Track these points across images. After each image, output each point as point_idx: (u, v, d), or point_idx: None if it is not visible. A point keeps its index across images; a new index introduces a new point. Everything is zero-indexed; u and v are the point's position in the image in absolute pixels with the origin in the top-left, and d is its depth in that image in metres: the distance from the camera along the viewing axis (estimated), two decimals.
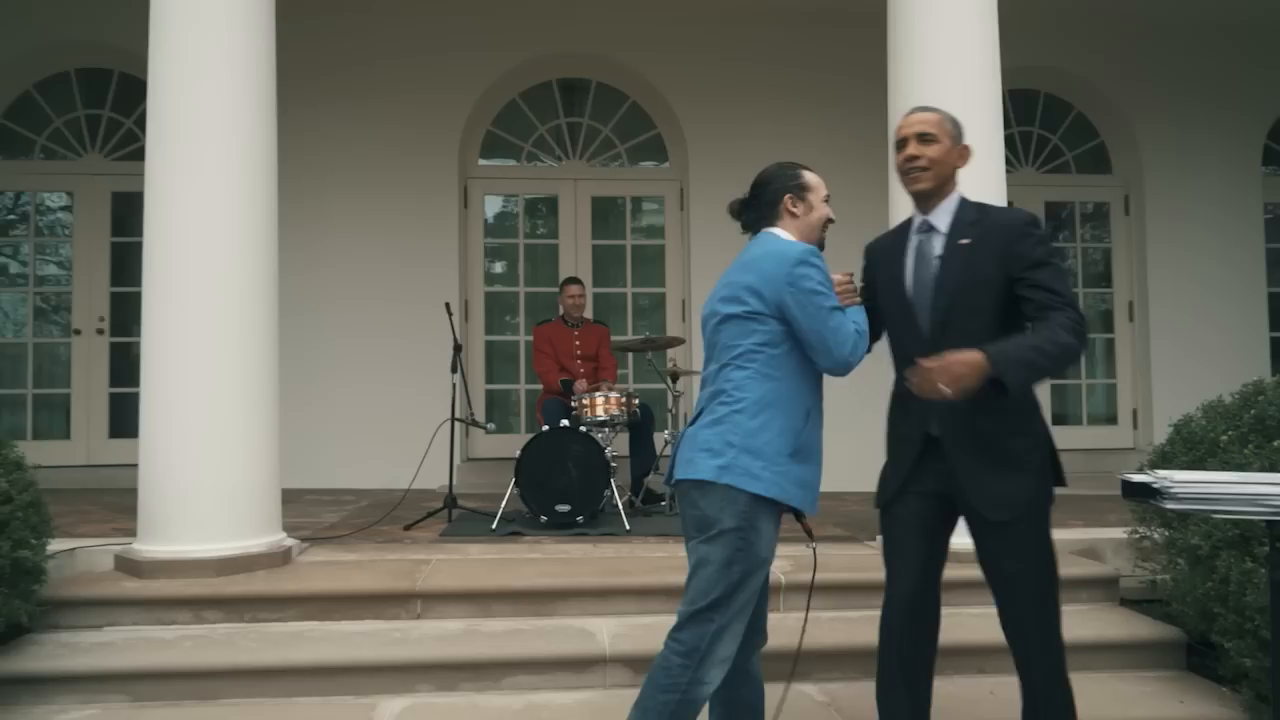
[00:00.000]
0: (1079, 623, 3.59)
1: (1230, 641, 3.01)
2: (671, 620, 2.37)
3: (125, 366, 6.71)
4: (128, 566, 3.79)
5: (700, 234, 7.12)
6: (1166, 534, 3.43)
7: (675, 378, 5.66)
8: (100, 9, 6.60)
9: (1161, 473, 2.17)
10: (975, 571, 2.50)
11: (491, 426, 6.50)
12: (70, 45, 6.83)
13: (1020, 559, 2.40)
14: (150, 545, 3.80)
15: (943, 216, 2.49)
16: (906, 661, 2.51)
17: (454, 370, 5.21)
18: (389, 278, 6.83)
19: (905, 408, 2.52)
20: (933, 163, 2.46)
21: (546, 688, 3.22)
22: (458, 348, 5.25)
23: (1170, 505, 2.13)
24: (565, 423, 4.95)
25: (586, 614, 3.61)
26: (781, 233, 2.51)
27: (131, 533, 3.97)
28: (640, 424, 5.51)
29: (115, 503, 5.28)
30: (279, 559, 3.93)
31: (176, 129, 3.89)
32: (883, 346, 2.64)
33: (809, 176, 2.57)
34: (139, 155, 4.24)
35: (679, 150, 7.30)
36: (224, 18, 3.93)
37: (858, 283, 2.63)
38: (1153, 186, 7.51)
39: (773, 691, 2.63)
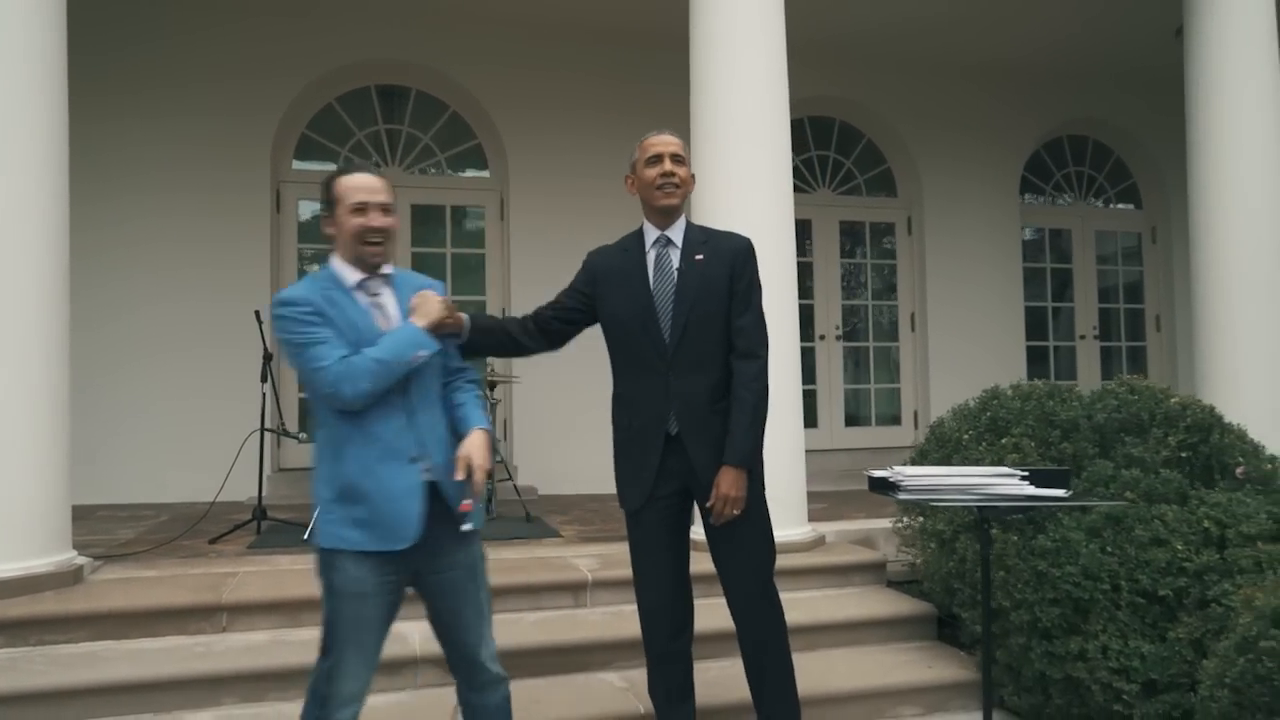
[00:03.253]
0: (850, 603, 4.03)
1: (967, 612, 3.49)
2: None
3: None
4: None
5: (521, 243, 7.28)
6: (920, 521, 3.91)
7: (493, 386, 5.79)
8: None
9: (896, 468, 2.55)
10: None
11: (303, 436, 6.38)
12: None
13: (747, 541, 2.75)
14: None
15: (678, 233, 2.82)
16: (667, 660, 2.82)
17: (264, 379, 5.11)
18: (196, 285, 6.57)
19: (635, 409, 2.77)
20: (683, 181, 2.80)
21: (390, 688, 3.28)
22: (268, 356, 5.15)
23: (902, 496, 2.52)
24: None
25: (398, 619, 3.67)
26: (334, 259, 2.39)
27: None
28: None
29: None
30: (69, 578, 3.77)
31: None
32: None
33: (341, 185, 2.35)
34: None
35: (499, 160, 7.43)
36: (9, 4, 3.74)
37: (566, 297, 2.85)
38: (930, 209, 8.35)
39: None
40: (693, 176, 2.87)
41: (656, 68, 7.09)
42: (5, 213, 3.70)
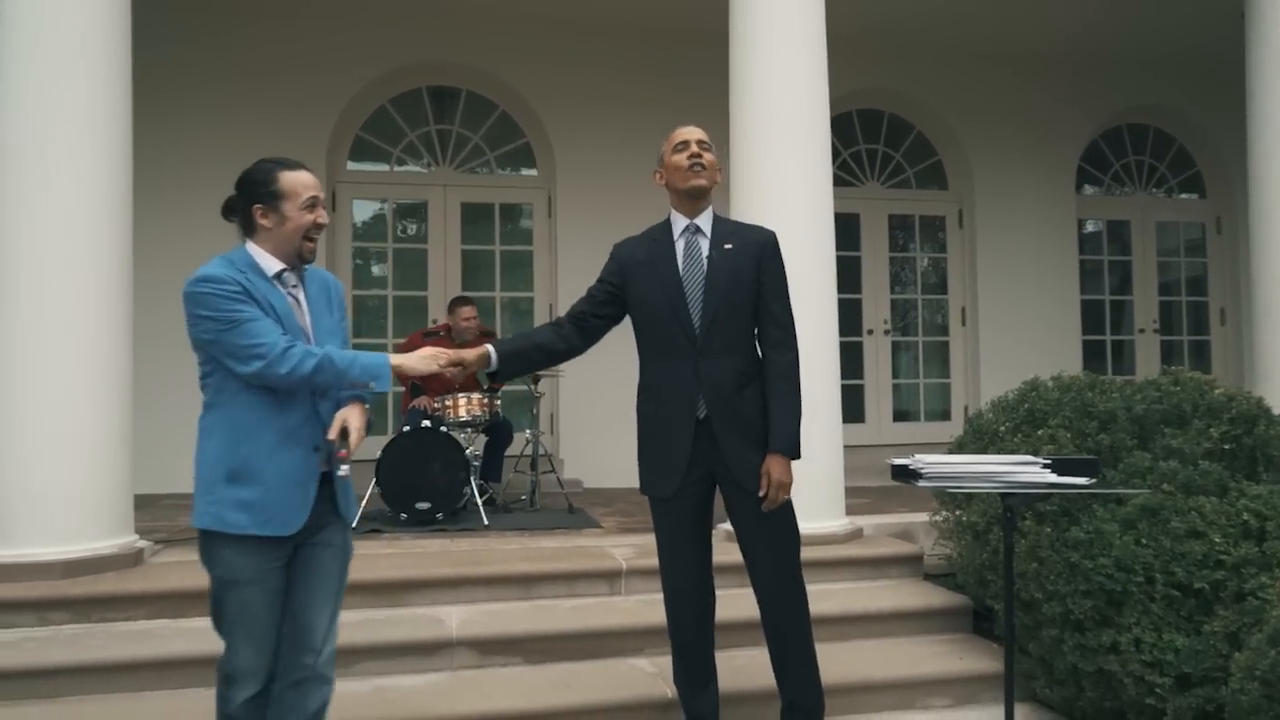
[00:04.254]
0: (884, 595, 4.03)
1: (1000, 604, 3.46)
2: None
3: None
4: None
5: (568, 239, 7.38)
6: (956, 515, 3.88)
7: (537, 380, 5.89)
8: None
9: (918, 456, 2.56)
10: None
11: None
12: None
13: (776, 528, 2.78)
14: None
15: (706, 222, 2.88)
16: (691, 645, 2.87)
17: None
18: None
19: (662, 395, 2.83)
20: (710, 165, 2.85)
21: (395, 672, 3.40)
22: None
23: (923, 484, 2.52)
24: (427, 423, 5.12)
25: (438, 603, 3.80)
26: (250, 246, 2.41)
27: None
28: (495, 433, 5.74)
29: None
30: (130, 560, 3.96)
31: (30, 133, 3.87)
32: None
33: (289, 180, 2.37)
34: None
35: (547, 158, 7.54)
36: (77, 20, 3.93)
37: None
38: (982, 202, 8.21)
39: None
40: (718, 170, 2.91)
41: (698, 64, 7.11)
42: (74, 215, 3.90)
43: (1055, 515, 3.33)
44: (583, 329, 2.91)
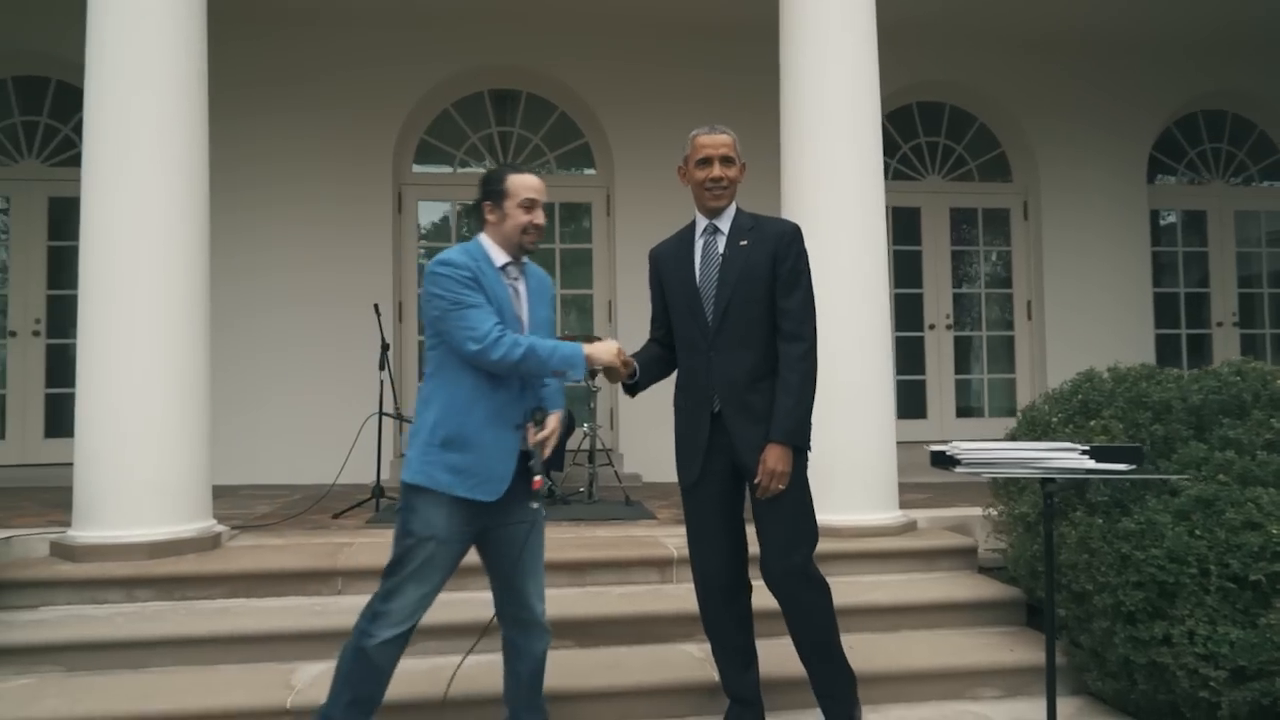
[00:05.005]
0: (935, 587, 4.02)
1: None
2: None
3: (61, 368, 6.87)
4: (63, 552, 4.03)
5: (626, 237, 7.48)
6: (1008, 507, 3.85)
7: (594, 374, 5.99)
8: (38, 17, 6.76)
9: (954, 443, 2.58)
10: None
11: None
12: (6, 53, 6.97)
13: (785, 518, 2.82)
14: (85, 531, 4.04)
15: (726, 221, 2.94)
16: (722, 628, 2.94)
17: (381, 368, 5.50)
18: (324, 282, 7.07)
19: (688, 391, 2.93)
20: (731, 182, 2.91)
21: (452, 652, 3.51)
22: (385, 347, 5.54)
23: (960, 470, 2.54)
24: None
25: (490, 588, 3.92)
26: (484, 238, 2.69)
27: (66, 524, 4.20)
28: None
29: (49, 499, 5.47)
30: (208, 543, 4.20)
31: (111, 140, 4.13)
32: None
33: (513, 181, 2.64)
34: (76, 161, 4.45)
35: (605, 157, 7.66)
36: (157, 36, 4.18)
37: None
38: (1048, 193, 8.05)
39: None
40: (744, 167, 2.96)
41: (751, 58, 7.13)
42: (154, 219, 4.14)
43: (1107, 506, 3.29)
44: (668, 346, 3.02)
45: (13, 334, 6.99)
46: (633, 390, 2.92)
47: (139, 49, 4.16)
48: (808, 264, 2.91)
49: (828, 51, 4.55)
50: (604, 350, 2.71)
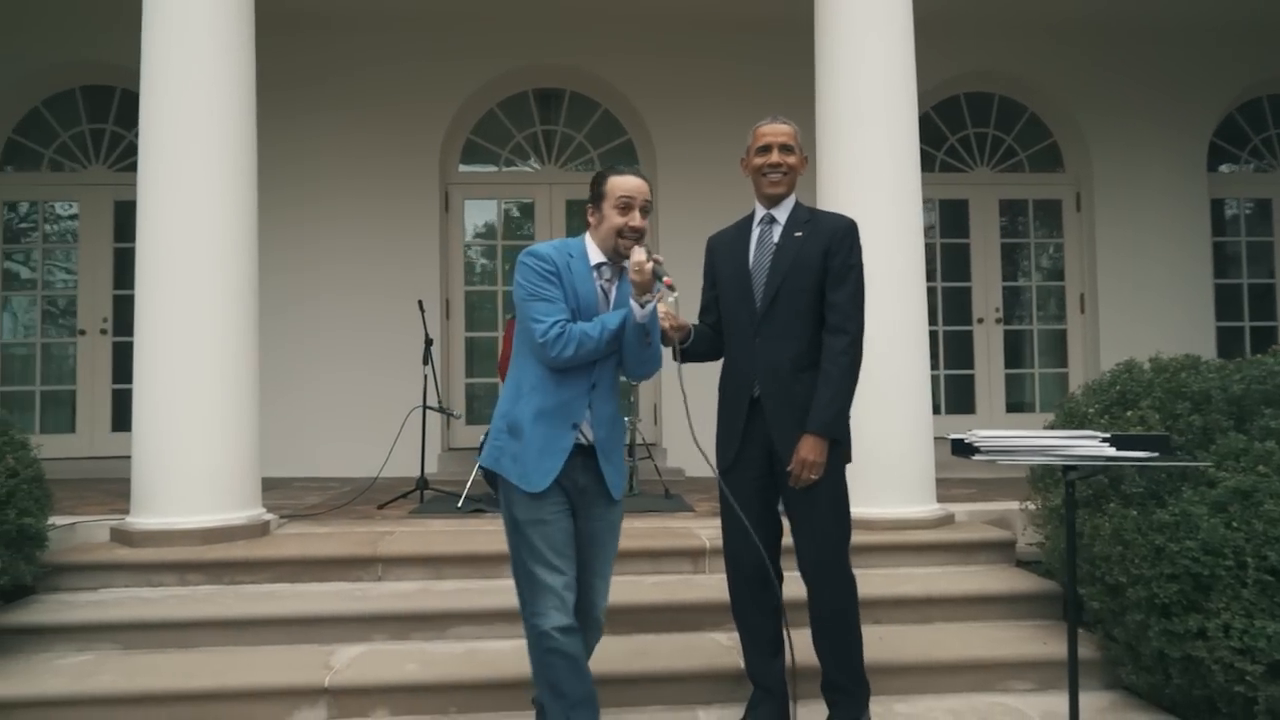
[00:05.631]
0: (970, 579, 3.99)
1: (1085, 589, 3.38)
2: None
3: (126, 365, 7.08)
4: (122, 537, 4.23)
5: (669, 232, 7.51)
6: (1045, 500, 3.80)
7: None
8: (104, 30, 7.05)
9: (974, 430, 2.57)
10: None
11: (458, 414, 6.89)
12: (75, 64, 7.29)
13: (820, 509, 2.83)
14: (142, 518, 4.23)
15: (783, 212, 2.97)
16: (750, 614, 2.96)
17: (425, 363, 5.63)
18: (374, 281, 7.25)
19: (731, 376, 2.97)
20: (790, 169, 2.93)
21: (487, 637, 3.63)
22: (428, 342, 5.67)
23: (978, 457, 2.53)
24: None
25: None
26: (587, 237, 2.72)
27: (126, 512, 4.39)
28: None
29: (114, 489, 5.71)
30: (257, 531, 4.36)
31: (163, 146, 4.32)
32: None
33: (610, 183, 2.62)
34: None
35: (648, 154, 7.71)
36: (208, 43, 4.35)
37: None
38: (1101, 183, 7.86)
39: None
40: (805, 160, 2.99)
41: (791, 53, 7.10)
42: (204, 221, 4.31)
43: (1142, 498, 3.23)
44: (717, 332, 3.06)
45: (82, 332, 7.32)
46: (684, 356, 2.86)
47: (187, 56, 4.33)
48: (861, 260, 2.91)
49: (864, 45, 4.53)
50: (639, 264, 2.52)
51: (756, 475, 2.91)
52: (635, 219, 2.60)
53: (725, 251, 3.04)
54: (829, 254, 2.87)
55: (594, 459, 2.66)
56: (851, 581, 2.91)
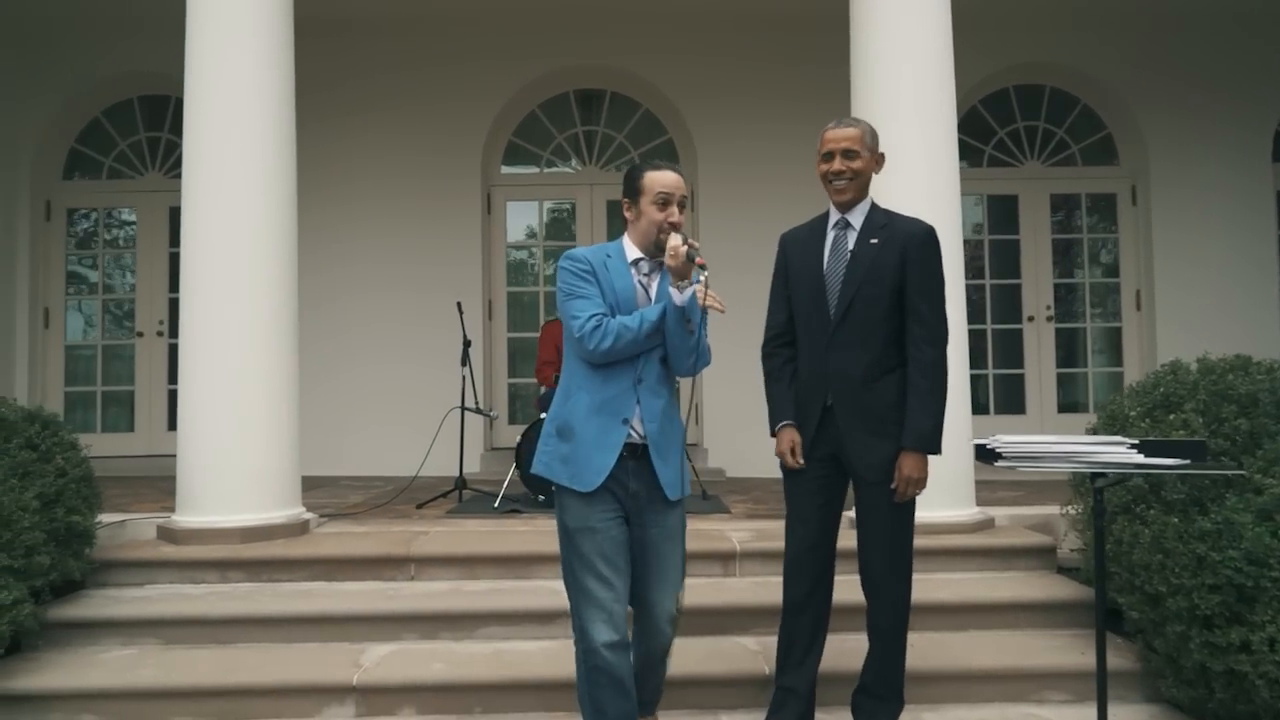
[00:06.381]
0: (1007, 586, 3.90)
1: (1124, 598, 3.28)
2: None
3: None
4: (167, 535, 4.36)
5: (710, 233, 7.46)
6: (1082, 507, 3.69)
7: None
8: (160, 41, 7.24)
9: (997, 436, 2.50)
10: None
11: (496, 414, 6.93)
12: (133, 74, 7.53)
13: (886, 517, 2.78)
14: (186, 517, 4.35)
15: (858, 217, 2.92)
16: (800, 611, 2.92)
17: (463, 364, 5.69)
18: (418, 280, 7.33)
19: (805, 381, 2.93)
20: (856, 174, 2.89)
21: (515, 637, 3.65)
22: (467, 343, 5.73)
23: (1001, 464, 2.46)
24: None
25: (559, 576, 4.00)
26: (625, 237, 2.71)
27: (174, 510, 4.53)
28: None
29: (168, 487, 5.80)
30: (297, 529, 4.45)
31: (205, 152, 4.42)
32: None
33: (647, 179, 2.60)
34: None
35: (689, 153, 7.67)
36: (249, 50, 4.44)
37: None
38: (1159, 176, 7.60)
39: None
40: (879, 159, 2.94)
41: (830, 50, 7.02)
42: (244, 230, 4.41)
43: (1184, 505, 3.12)
44: (791, 339, 3.00)
45: (139, 334, 7.56)
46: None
47: (228, 65, 4.42)
48: (942, 267, 2.87)
49: (900, 34, 4.45)
50: (671, 243, 2.50)
51: (821, 475, 2.88)
52: (674, 214, 2.59)
53: (799, 251, 2.99)
54: (907, 262, 2.81)
55: (647, 460, 2.61)
56: (909, 590, 2.89)
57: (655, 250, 2.61)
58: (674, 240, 2.51)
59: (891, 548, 2.85)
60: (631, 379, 2.59)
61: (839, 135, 2.88)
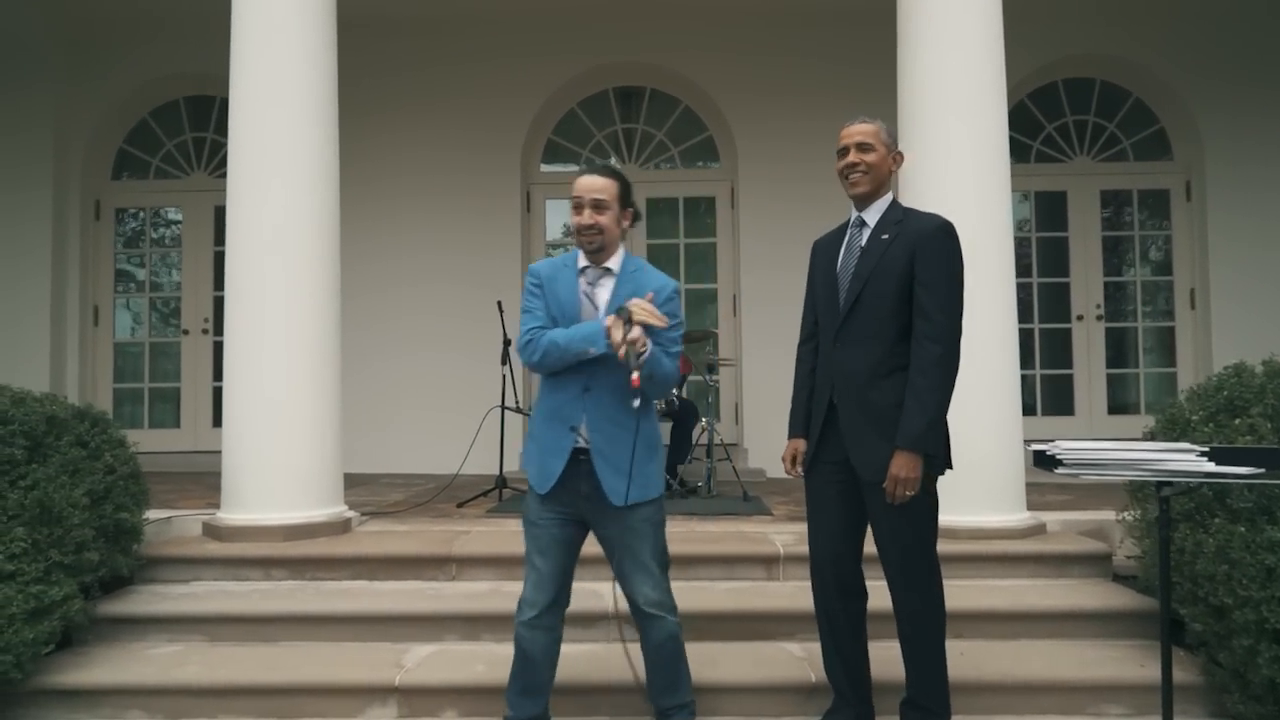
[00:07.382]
0: (1061, 594, 3.79)
1: (1186, 608, 3.16)
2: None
3: None
4: (212, 532, 4.39)
5: (750, 230, 7.41)
6: (1139, 513, 3.57)
7: (712, 369, 5.98)
8: (205, 43, 7.33)
9: (1058, 442, 2.42)
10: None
11: (531, 412, 6.91)
12: (179, 76, 7.64)
13: (902, 521, 2.71)
14: (231, 514, 4.39)
15: (873, 214, 2.86)
16: (832, 618, 2.87)
17: (503, 363, 5.68)
18: (460, 279, 7.34)
19: (818, 381, 2.90)
20: (870, 167, 2.82)
21: None
22: (507, 342, 5.72)
23: (1061, 470, 2.38)
24: None
25: (599, 579, 3.92)
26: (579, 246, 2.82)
27: (219, 507, 4.56)
28: (680, 416, 5.85)
29: (213, 483, 5.87)
30: (339, 528, 4.46)
31: (249, 155, 4.45)
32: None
33: (572, 184, 2.71)
34: None
35: (729, 149, 7.61)
36: (293, 57, 4.46)
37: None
38: (1214, 171, 7.38)
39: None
40: (896, 156, 2.88)
41: (872, 47, 6.91)
42: (288, 230, 4.43)
43: (1251, 513, 2.99)
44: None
45: (185, 332, 7.67)
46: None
47: (271, 65, 4.44)
48: (957, 264, 2.76)
49: (949, 25, 4.34)
50: (637, 310, 2.53)
51: (834, 476, 2.83)
52: (586, 217, 2.64)
53: (821, 255, 2.99)
54: (917, 258, 2.73)
55: (589, 469, 2.70)
56: (935, 597, 2.79)
57: (587, 257, 2.73)
58: (615, 336, 2.53)
59: (902, 554, 2.75)
60: (579, 387, 2.68)
61: (854, 130, 2.86)
